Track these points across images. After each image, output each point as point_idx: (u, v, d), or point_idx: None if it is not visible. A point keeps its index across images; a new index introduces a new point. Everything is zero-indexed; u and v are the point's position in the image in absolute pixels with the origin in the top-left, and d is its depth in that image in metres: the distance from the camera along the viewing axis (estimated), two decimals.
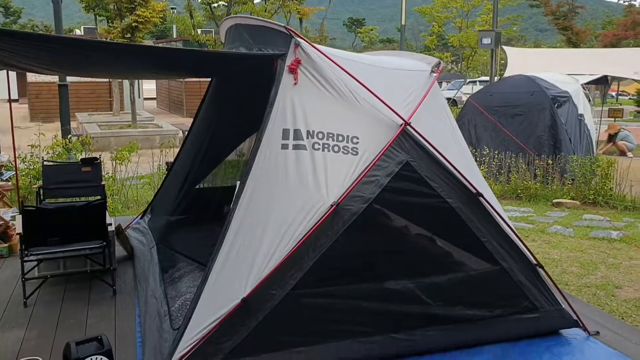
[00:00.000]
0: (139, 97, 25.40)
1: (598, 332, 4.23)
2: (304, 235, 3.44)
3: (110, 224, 5.35)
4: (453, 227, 3.92)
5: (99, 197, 6.47)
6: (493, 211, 3.91)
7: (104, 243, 4.89)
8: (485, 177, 10.20)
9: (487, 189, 4.11)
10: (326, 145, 3.64)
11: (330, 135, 3.67)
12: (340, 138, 3.68)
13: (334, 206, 3.47)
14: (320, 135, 3.66)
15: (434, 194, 3.81)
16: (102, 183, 6.48)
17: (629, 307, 5.17)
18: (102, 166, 7.51)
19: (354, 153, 3.66)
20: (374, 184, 3.64)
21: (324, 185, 3.54)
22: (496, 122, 8.90)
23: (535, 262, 4.03)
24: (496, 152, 10.36)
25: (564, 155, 9.99)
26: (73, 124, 20.13)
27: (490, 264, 3.96)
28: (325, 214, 3.47)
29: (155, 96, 33.56)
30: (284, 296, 3.44)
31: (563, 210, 8.99)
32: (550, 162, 9.88)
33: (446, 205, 3.83)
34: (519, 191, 9.79)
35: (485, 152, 10.40)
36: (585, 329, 4.20)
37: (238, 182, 3.71)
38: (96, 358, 3.38)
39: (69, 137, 9.33)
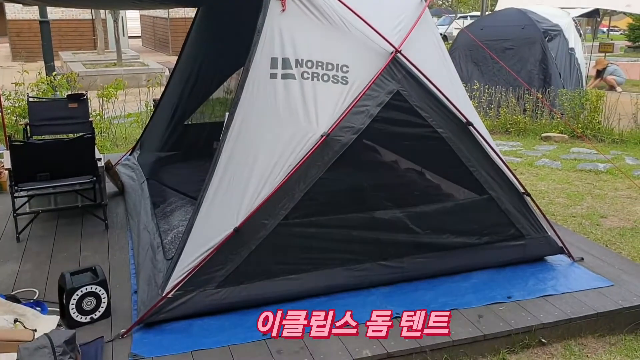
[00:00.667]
0: (124, 35, 24.76)
1: (582, 259, 4.34)
2: (295, 166, 3.45)
3: (100, 159, 5.33)
4: (443, 157, 3.93)
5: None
6: (482, 140, 3.92)
7: (94, 178, 4.89)
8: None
9: (477, 118, 4.10)
10: (315, 74, 3.60)
11: (320, 63, 3.62)
12: (329, 67, 3.63)
13: (324, 137, 3.47)
14: (309, 64, 3.61)
15: (424, 124, 3.81)
16: (90, 119, 6.41)
17: (613, 235, 5.29)
18: (89, 103, 7.39)
19: (344, 82, 3.63)
20: (364, 114, 3.62)
21: (313, 116, 3.52)
22: (491, 53, 8.78)
23: (522, 190, 4.08)
24: (486, 86, 10.31)
25: (554, 89, 9.96)
26: (57, 63, 19.66)
27: (479, 193, 4.01)
28: (315, 145, 3.47)
29: (140, 34, 32.75)
30: (275, 226, 3.48)
31: (551, 144, 9.05)
32: (540, 96, 9.86)
33: (436, 135, 3.83)
34: (509, 125, 9.82)
35: (475, 87, 10.35)
36: (570, 256, 4.31)
37: (227, 114, 3.68)
38: (91, 287, 3.43)
39: (53, 74, 9.15)
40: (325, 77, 3.61)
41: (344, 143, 3.55)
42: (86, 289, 3.42)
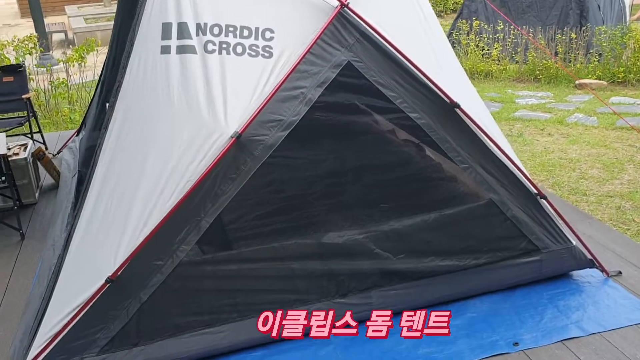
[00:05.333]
0: None
1: (620, 272, 3.24)
2: (195, 182, 2.40)
3: (26, 145, 4.46)
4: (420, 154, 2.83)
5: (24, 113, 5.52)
6: (476, 128, 2.78)
7: (3, 178, 3.96)
8: (500, 57, 8.95)
9: (473, 94, 2.95)
10: (225, 45, 2.50)
11: (231, 29, 2.51)
12: (245, 33, 2.52)
13: (234, 138, 2.40)
14: (216, 30, 2.51)
15: (390, 108, 2.68)
16: (27, 95, 5.42)
17: None
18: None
19: (266, 55, 2.51)
20: (297, 99, 2.51)
21: (221, 107, 2.44)
22: (497, 10, 7.51)
23: (535, 191, 2.95)
24: (511, 27, 8.91)
25: (591, 27, 8.50)
26: (62, 19, 18.71)
27: (474, 198, 2.90)
28: (223, 149, 2.41)
29: None
30: (175, 267, 2.48)
31: (587, 93, 7.71)
32: (573, 35, 8.43)
33: (409, 123, 2.70)
34: (538, 72, 8.49)
35: (499, 28, 8.98)
36: (602, 270, 3.21)
37: (107, 105, 2.63)
38: None
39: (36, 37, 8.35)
40: (239, 49, 2.50)
41: (268, 144, 2.47)
42: None
